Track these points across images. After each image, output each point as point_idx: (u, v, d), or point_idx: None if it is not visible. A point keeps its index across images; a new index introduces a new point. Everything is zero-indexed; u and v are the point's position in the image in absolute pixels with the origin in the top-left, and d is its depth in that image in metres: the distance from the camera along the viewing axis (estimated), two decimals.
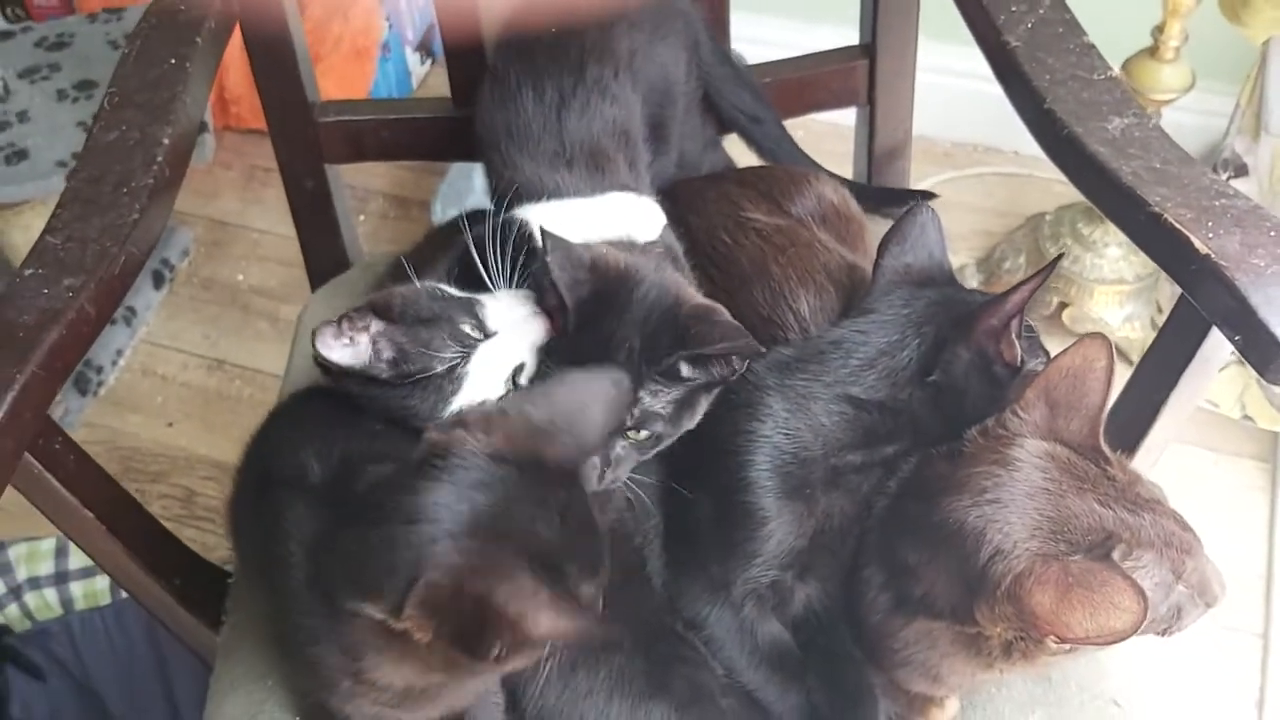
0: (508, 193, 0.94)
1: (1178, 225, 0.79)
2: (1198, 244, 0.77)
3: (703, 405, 0.84)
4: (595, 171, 0.93)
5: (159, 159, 0.92)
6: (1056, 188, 2.00)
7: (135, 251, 0.87)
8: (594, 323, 0.81)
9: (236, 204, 2.16)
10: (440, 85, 1.20)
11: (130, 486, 1.76)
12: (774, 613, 0.86)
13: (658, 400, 0.81)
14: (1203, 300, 0.78)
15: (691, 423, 0.84)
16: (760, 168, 1.07)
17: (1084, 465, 0.74)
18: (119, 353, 1.94)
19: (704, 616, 0.86)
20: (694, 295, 0.85)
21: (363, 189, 2.12)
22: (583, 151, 0.92)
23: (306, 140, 1.13)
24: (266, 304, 2.01)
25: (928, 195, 1.18)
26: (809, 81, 1.16)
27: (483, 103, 0.98)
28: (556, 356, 0.82)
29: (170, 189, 0.93)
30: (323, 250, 1.20)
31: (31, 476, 0.81)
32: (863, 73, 1.15)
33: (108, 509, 0.87)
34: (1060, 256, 0.99)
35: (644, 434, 0.82)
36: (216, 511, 1.75)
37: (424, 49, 2.29)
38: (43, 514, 0.86)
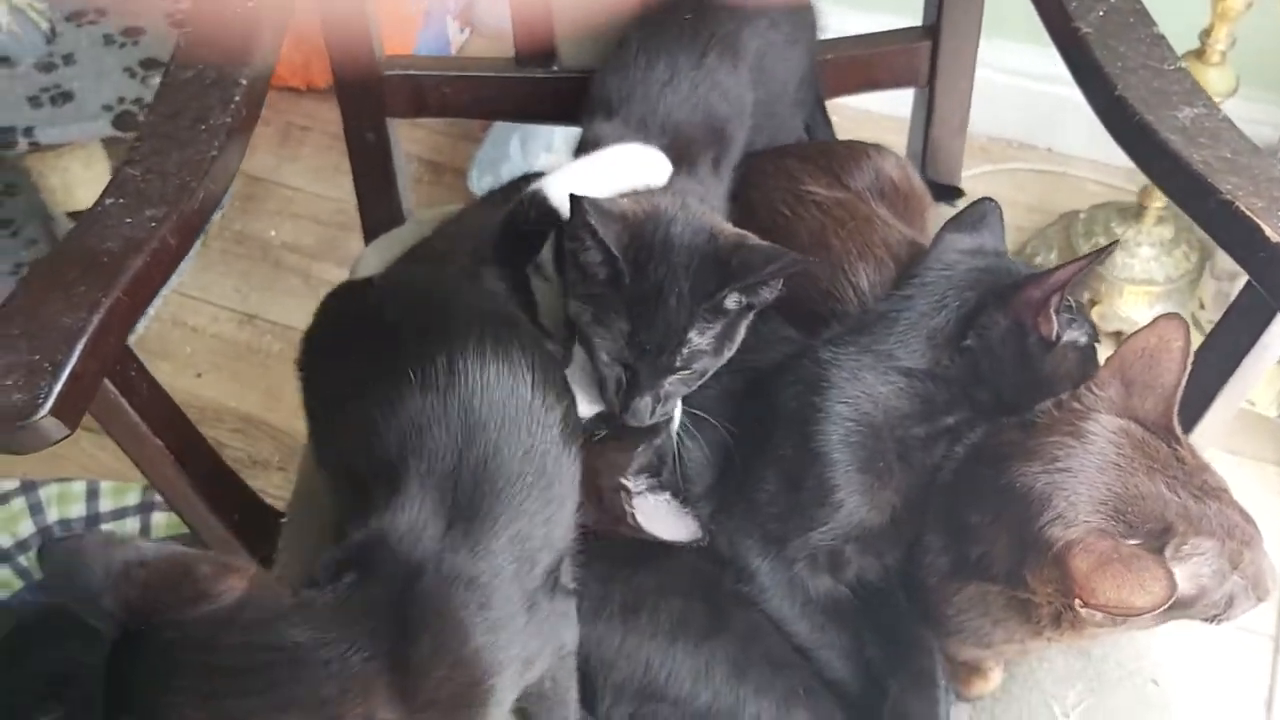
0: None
1: (1249, 213, 0.80)
2: (1268, 231, 0.79)
3: (742, 331, 0.86)
4: (672, 156, 0.94)
5: (236, 99, 0.93)
6: (1090, 186, 2.01)
7: (214, 188, 0.88)
8: (641, 273, 0.82)
9: (271, 160, 2.17)
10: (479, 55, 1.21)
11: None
12: (827, 574, 0.87)
13: (704, 337, 0.83)
14: (1271, 287, 0.80)
15: (733, 350, 0.86)
16: (820, 143, 1.08)
17: (1156, 445, 0.75)
18: (149, 303, 1.95)
19: (754, 567, 0.87)
20: (724, 225, 0.86)
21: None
22: (667, 131, 0.93)
23: (371, 93, 1.14)
24: (298, 260, 2.02)
25: (956, 192, 1.20)
26: (869, 60, 1.17)
27: (603, 66, 0.99)
28: (615, 312, 0.83)
29: (246, 130, 0.94)
30: (378, 203, 1.21)
31: (108, 401, 0.82)
32: (924, 54, 1.16)
33: (176, 440, 0.89)
34: (1115, 244, 1.00)
35: (691, 370, 0.84)
36: (242, 463, 1.76)
37: (464, 19, 2.30)
38: (114, 440, 0.87)
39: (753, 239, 0.85)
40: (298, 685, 0.64)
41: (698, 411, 0.88)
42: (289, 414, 1.81)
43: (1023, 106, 1.93)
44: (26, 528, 1.51)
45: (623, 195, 0.86)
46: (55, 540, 0.67)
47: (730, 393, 0.89)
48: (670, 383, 0.83)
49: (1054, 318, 0.81)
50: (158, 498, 1.50)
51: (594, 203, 0.82)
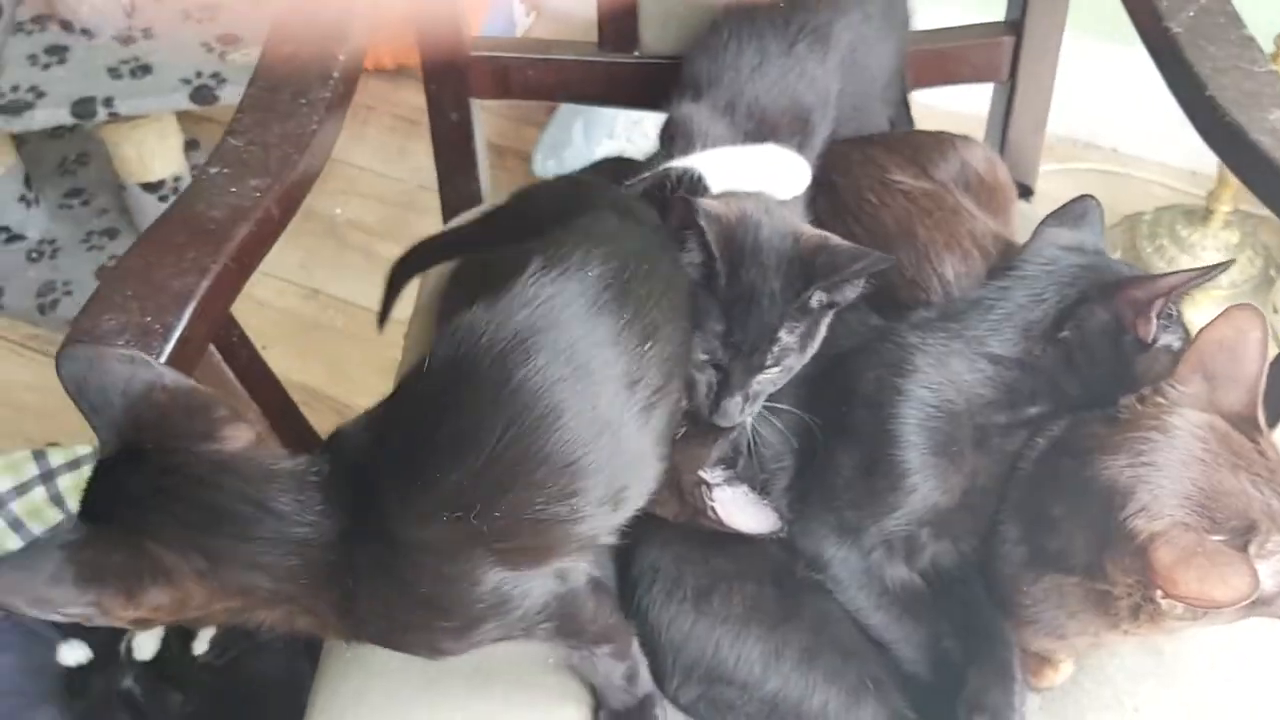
0: (666, 139, 0.97)
1: None
2: None
3: (824, 329, 0.87)
4: (756, 141, 0.95)
5: (334, 75, 0.95)
6: (1155, 189, 2.00)
7: (313, 162, 0.90)
8: (735, 274, 0.84)
9: (341, 140, 2.19)
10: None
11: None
12: (902, 563, 0.88)
13: (793, 336, 0.85)
14: None
15: (815, 348, 0.87)
16: (906, 132, 1.09)
17: (1240, 441, 0.76)
18: None
19: (828, 557, 0.88)
20: (806, 227, 0.88)
21: None
22: (753, 116, 0.95)
23: (456, 74, 1.16)
24: (363, 238, 2.05)
25: (1027, 190, 1.20)
26: (951, 54, 1.17)
27: (693, 49, 1.00)
28: (710, 312, 0.85)
29: (343, 105, 0.96)
30: (458, 183, 1.23)
31: (211, 365, 0.84)
32: (1007, 49, 1.16)
33: (272, 406, 0.91)
34: (1230, 262, 1.00)
35: (780, 368, 0.85)
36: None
37: (530, 2, 2.31)
38: None
39: (834, 239, 0.87)
40: (270, 547, 0.67)
41: (771, 402, 0.89)
42: (352, 388, 1.84)
43: (1089, 106, 1.93)
44: None
45: (716, 197, 0.88)
46: (75, 343, 0.69)
47: (807, 379, 0.90)
48: (759, 382, 0.84)
49: (1154, 321, 0.82)
50: None
51: (703, 204, 0.83)
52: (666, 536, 0.90)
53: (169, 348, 0.75)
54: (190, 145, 2.01)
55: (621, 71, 1.17)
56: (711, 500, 0.87)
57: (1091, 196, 0.89)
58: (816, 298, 0.84)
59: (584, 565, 0.79)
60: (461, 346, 0.71)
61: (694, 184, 0.90)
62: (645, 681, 0.88)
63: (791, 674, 0.86)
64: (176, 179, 1.92)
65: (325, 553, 0.69)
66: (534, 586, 0.74)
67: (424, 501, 0.69)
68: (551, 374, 0.69)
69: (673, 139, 0.96)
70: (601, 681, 0.87)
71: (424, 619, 0.73)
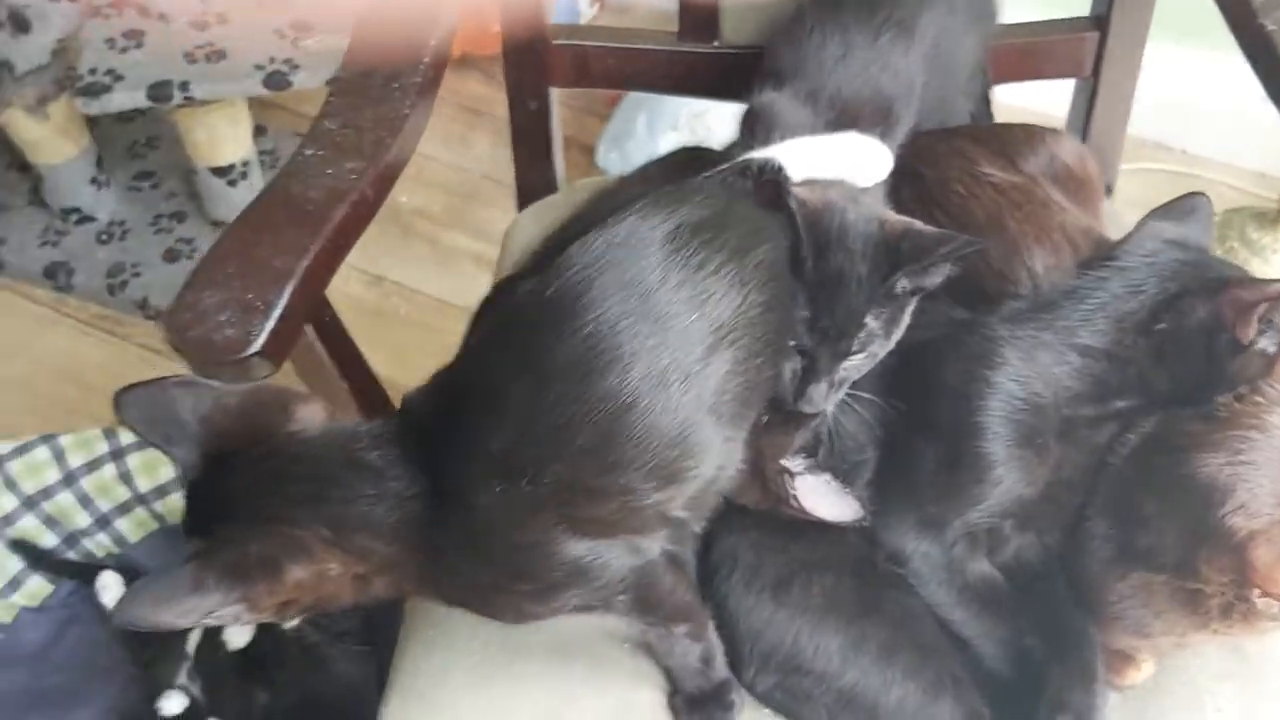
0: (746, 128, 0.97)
1: None
2: None
3: (908, 315, 0.87)
4: (837, 130, 0.95)
5: (425, 60, 0.96)
6: (1224, 190, 1.97)
7: (406, 146, 0.91)
8: (822, 259, 0.84)
9: None
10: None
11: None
12: (984, 557, 0.88)
13: (878, 321, 0.84)
14: None
15: (899, 334, 0.87)
16: (994, 125, 1.08)
17: None
18: None
19: (909, 551, 0.88)
20: (890, 213, 0.88)
21: None
22: (835, 106, 0.95)
23: (538, 61, 1.16)
24: (427, 227, 2.06)
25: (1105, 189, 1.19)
26: (1034, 49, 1.17)
27: (776, 37, 1.00)
28: (798, 299, 0.84)
29: (432, 90, 0.97)
30: (534, 170, 1.24)
31: (305, 343, 0.86)
32: (1092, 45, 1.15)
33: (360, 384, 0.92)
34: None
35: (865, 353, 0.85)
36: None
37: None
38: (304, 381, 0.91)
39: (919, 224, 0.86)
40: (375, 502, 0.70)
41: (854, 391, 0.89)
42: (413, 375, 1.84)
43: (1159, 105, 1.90)
44: (167, 473, 1.57)
45: (800, 184, 0.88)
46: (128, 387, 0.71)
47: (888, 371, 0.90)
48: (844, 368, 0.84)
49: (1254, 323, 0.81)
50: None
51: (795, 189, 0.83)
52: (746, 524, 0.90)
53: (269, 324, 0.76)
54: (258, 131, 2.03)
55: (701, 61, 1.17)
56: (794, 488, 0.88)
57: (1202, 194, 0.89)
58: (903, 283, 0.84)
59: (660, 540, 0.79)
60: (522, 302, 0.73)
61: (774, 174, 0.90)
62: (721, 667, 0.88)
63: (870, 667, 0.86)
64: (245, 164, 1.94)
65: (419, 509, 0.71)
66: (611, 559, 0.75)
67: (479, 468, 0.71)
68: (613, 329, 0.69)
69: (753, 128, 0.96)
70: (677, 663, 0.88)
71: (505, 582, 0.75)
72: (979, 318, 0.87)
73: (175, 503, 1.57)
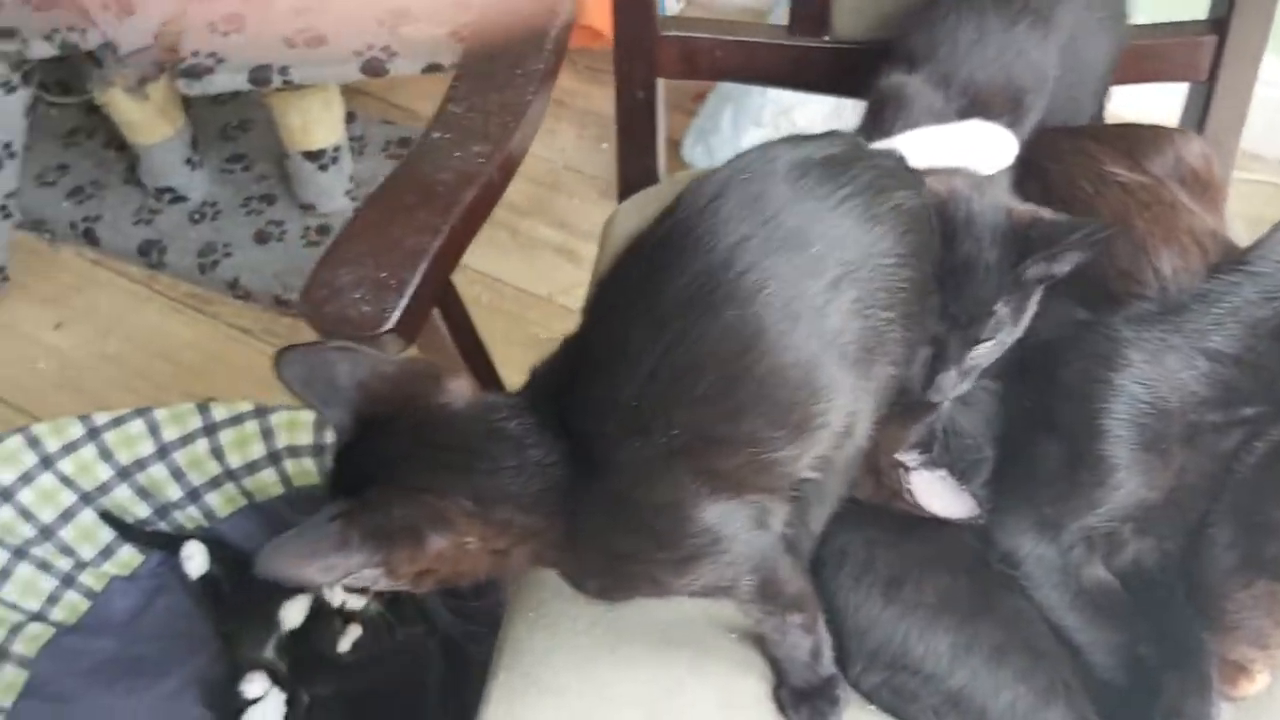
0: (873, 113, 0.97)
1: None
2: None
3: (1034, 305, 0.86)
4: (968, 116, 0.95)
5: (548, 47, 0.97)
6: None
7: (528, 131, 0.92)
8: (950, 246, 0.83)
9: None
10: None
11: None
12: (1100, 561, 0.87)
13: (1007, 308, 0.84)
14: None
15: (1026, 323, 0.86)
16: (1118, 125, 1.07)
17: None
18: None
19: (1024, 553, 0.87)
20: (1016, 202, 0.87)
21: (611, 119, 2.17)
22: (966, 93, 0.94)
23: (647, 52, 1.17)
24: (508, 216, 2.08)
25: None
26: (1150, 51, 1.15)
27: (910, 21, 1.00)
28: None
29: (553, 78, 0.98)
30: (637, 161, 1.25)
31: (430, 325, 0.87)
32: (1209, 48, 1.13)
33: (477, 363, 0.94)
34: None
35: (995, 341, 0.85)
36: None
37: None
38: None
39: (1046, 212, 0.86)
40: (515, 474, 0.70)
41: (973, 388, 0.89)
42: (495, 360, 1.87)
43: (1256, 117, 1.87)
44: (257, 450, 1.59)
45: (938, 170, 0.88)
46: (289, 347, 0.72)
47: (1009, 368, 0.89)
48: (974, 356, 0.84)
49: None
50: None
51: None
52: (858, 519, 0.90)
53: (403, 302, 0.78)
54: (348, 117, 2.06)
55: (810, 55, 1.17)
56: (909, 483, 0.87)
57: None
58: (1033, 270, 0.83)
59: (783, 512, 0.79)
60: (638, 243, 0.73)
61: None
62: (829, 662, 0.88)
63: (980, 669, 0.86)
64: (336, 149, 1.97)
65: (558, 475, 0.72)
66: (740, 530, 0.74)
67: (612, 423, 0.70)
68: (733, 260, 0.67)
69: (880, 112, 0.96)
70: (786, 654, 0.88)
71: (642, 549, 0.74)
72: (1103, 319, 0.87)
73: (264, 480, 1.60)
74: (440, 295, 0.86)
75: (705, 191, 0.71)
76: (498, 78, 0.94)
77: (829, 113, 2.21)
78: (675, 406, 0.69)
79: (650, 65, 1.18)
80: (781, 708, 0.89)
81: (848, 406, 0.74)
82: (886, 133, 0.92)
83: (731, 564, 0.75)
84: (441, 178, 0.85)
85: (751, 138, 2.13)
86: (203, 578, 1.53)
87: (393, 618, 1.40)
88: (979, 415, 0.90)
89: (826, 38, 1.17)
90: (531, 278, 1.98)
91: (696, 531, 0.72)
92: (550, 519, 0.72)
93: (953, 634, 0.86)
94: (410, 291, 0.78)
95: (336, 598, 1.39)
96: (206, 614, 1.53)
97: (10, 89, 1.82)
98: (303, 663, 1.44)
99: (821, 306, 0.70)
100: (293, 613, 1.43)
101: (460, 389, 0.73)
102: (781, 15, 1.13)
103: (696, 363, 0.68)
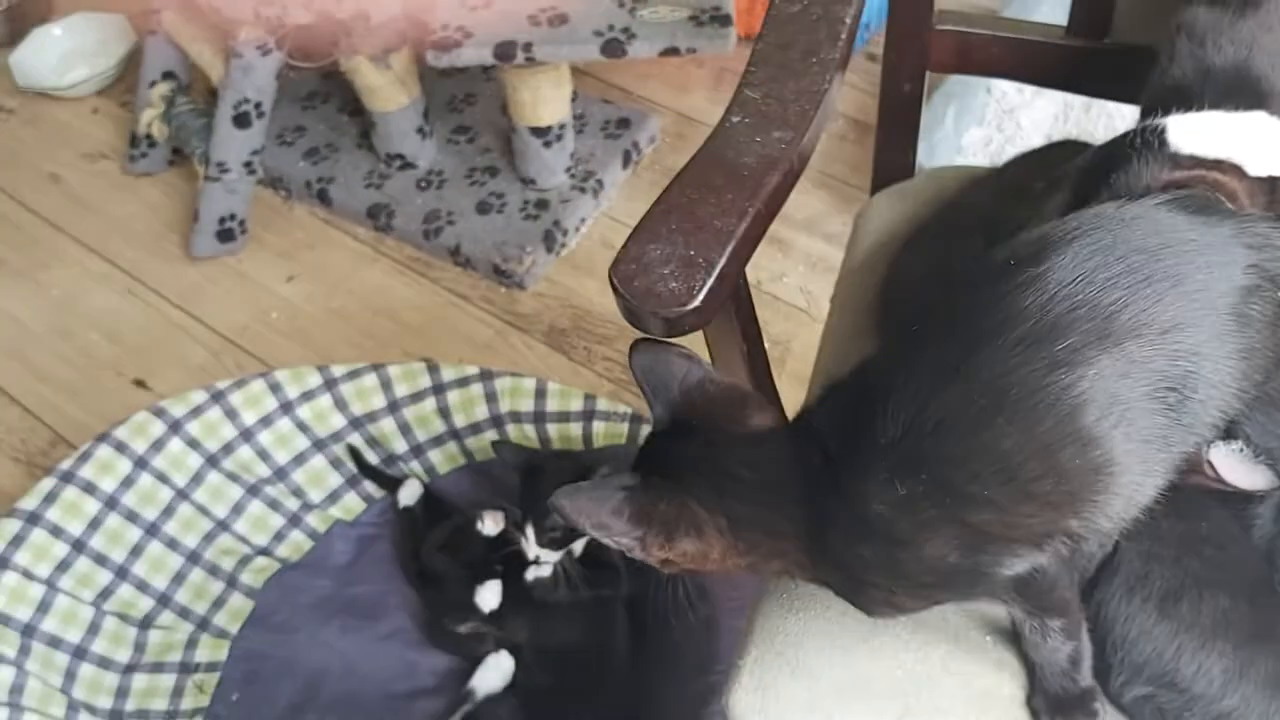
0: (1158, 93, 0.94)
1: None
2: None
3: None
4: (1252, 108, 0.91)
5: (842, 36, 0.97)
6: None
7: (824, 120, 0.92)
8: None
9: (704, 103, 2.26)
10: None
11: (578, 344, 1.90)
12: None
13: None
14: None
15: None
16: None
17: None
18: (583, 220, 2.08)
19: None
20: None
21: None
22: (1254, 83, 0.90)
23: (920, 44, 1.16)
24: None
25: None
26: None
27: (1197, 6, 0.97)
28: None
29: (844, 67, 0.98)
30: (894, 154, 1.24)
31: (723, 315, 0.89)
32: None
33: (757, 367, 0.95)
34: None
35: None
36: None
37: None
38: (707, 338, 0.95)
39: None
40: (773, 512, 0.77)
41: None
42: (699, 346, 1.89)
43: None
44: (481, 412, 1.65)
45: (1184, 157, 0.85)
46: (644, 339, 0.81)
47: None
48: None
49: None
50: (598, 405, 1.60)
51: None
52: (1133, 530, 0.88)
53: (710, 282, 0.79)
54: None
55: (1089, 57, 1.14)
56: (1208, 455, 0.85)
57: None
58: None
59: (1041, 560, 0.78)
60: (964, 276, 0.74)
61: (1156, 137, 0.87)
62: (1088, 672, 0.87)
63: (1253, 696, 0.83)
64: (562, 126, 2.01)
65: (814, 508, 0.76)
66: (996, 567, 0.75)
67: (874, 467, 0.72)
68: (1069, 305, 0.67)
69: (1161, 100, 0.93)
70: (1044, 659, 0.87)
71: (884, 581, 0.77)
72: None
73: (482, 442, 1.66)
74: (738, 279, 0.87)
75: (1054, 235, 0.70)
76: (793, 65, 0.94)
77: (1056, 114, 2.15)
78: (935, 461, 0.70)
79: (922, 58, 1.17)
80: (1035, 716, 0.89)
81: (1134, 482, 0.72)
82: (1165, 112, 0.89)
83: (986, 591, 0.77)
84: (746, 161, 0.86)
85: (973, 137, 2.10)
86: (408, 509, 1.61)
87: (581, 577, 1.45)
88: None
89: (1107, 40, 1.14)
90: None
91: (941, 569, 0.74)
92: (798, 543, 0.78)
93: (1228, 657, 0.84)
94: (717, 271, 0.80)
95: (531, 550, 1.44)
96: (404, 547, 1.61)
97: (266, 52, 1.93)
98: (497, 611, 1.49)
99: (1144, 400, 0.68)
100: (488, 596, 1.49)
101: (761, 421, 0.80)
102: (1016, 11, 1.11)
103: (994, 425, 0.68)
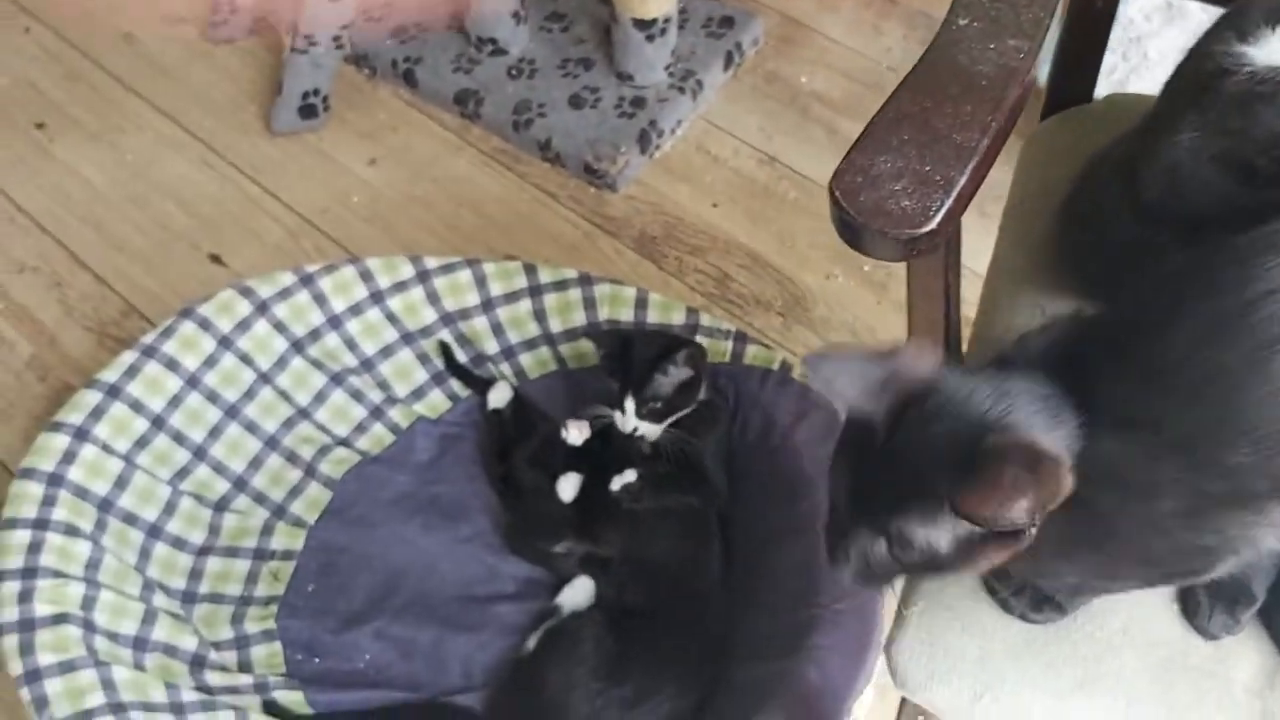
0: None
1: None
2: None
3: None
4: None
5: None
6: None
7: (1049, 27, 0.84)
8: None
9: (811, 6, 2.15)
10: None
11: (669, 253, 1.83)
12: None
13: None
14: None
15: None
16: None
17: None
18: (679, 122, 1.98)
19: None
20: None
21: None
22: None
23: None
24: (825, 112, 2.00)
25: None
26: None
27: None
28: None
29: None
30: (1076, 76, 1.15)
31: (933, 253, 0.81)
32: None
33: (951, 284, 0.88)
34: None
35: None
36: (745, 300, 1.79)
37: None
38: (910, 298, 0.88)
39: None
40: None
41: None
42: (797, 261, 1.82)
43: None
44: (578, 318, 1.58)
45: None
46: (817, 352, 0.75)
47: None
48: None
49: None
50: (701, 320, 1.53)
51: None
52: None
53: (948, 203, 0.72)
54: None
55: None
56: None
57: None
58: None
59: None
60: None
61: None
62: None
63: None
64: (667, 20, 1.91)
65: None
66: (1216, 545, 0.70)
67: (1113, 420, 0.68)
68: None
69: None
70: None
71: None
72: None
73: (580, 348, 1.60)
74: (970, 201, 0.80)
75: None
76: None
77: (1185, 45, 2.04)
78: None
79: None
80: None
81: None
82: None
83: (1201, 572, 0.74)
84: (981, 70, 0.78)
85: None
86: (496, 411, 1.56)
87: (672, 482, 1.41)
88: None
89: None
90: None
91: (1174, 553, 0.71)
92: None
93: None
94: (956, 191, 0.72)
95: (629, 424, 1.39)
96: (490, 451, 1.57)
97: None
98: (587, 524, 1.45)
99: None
100: (566, 487, 1.44)
101: None
102: None
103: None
